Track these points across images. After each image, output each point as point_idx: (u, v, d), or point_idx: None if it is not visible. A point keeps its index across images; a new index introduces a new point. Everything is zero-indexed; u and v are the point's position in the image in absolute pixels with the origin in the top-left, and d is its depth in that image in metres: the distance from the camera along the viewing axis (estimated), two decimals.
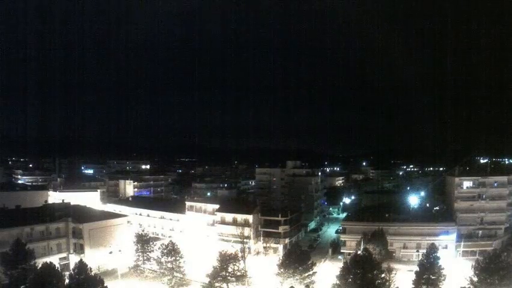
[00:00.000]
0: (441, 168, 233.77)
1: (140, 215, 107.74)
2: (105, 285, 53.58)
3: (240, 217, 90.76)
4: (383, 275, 57.76)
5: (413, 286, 58.61)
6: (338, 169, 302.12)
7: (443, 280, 58.67)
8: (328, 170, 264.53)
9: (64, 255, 75.29)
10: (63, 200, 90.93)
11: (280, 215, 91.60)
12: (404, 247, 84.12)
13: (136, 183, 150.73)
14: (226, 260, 64.14)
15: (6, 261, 57.61)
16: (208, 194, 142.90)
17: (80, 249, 74.83)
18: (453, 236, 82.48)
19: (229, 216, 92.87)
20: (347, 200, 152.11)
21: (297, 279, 62.14)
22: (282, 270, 63.19)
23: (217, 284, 63.18)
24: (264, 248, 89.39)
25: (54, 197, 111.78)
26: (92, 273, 54.52)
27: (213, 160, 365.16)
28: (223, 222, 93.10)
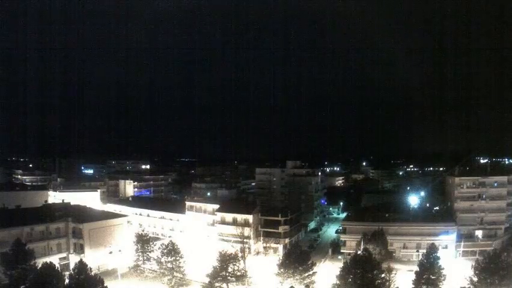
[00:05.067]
0: (441, 168, 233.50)
1: (140, 215, 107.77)
2: (105, 285, 53.65)
3: (240, 217, 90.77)
4: (383, 275, 57.80)
5: (413, 286, 58.62)
6: (338, 169, 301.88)
7: (443, 280, 58.71)
8: (328, 170, 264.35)
9: (63, 255, 75.34)
10: (63, 200, 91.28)
11: (280, 215, 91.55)
12: (404, 247, 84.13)
13: (136, 183, 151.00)
14: (226, 260, 64.17)
15: (6, 261, 57.60)
16: (208, 194, 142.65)
17: (80, 249, 74.87)
18: (453, 236, 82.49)
19: (229, 216, 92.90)
20: None
21: (297, 279, 62.13)
22: (282, 270, 63.20)
23: (217, 284, 63.21)
24: (264, 248, 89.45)
25: (54, 197, 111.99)
26: (92, 273, 54.52)
27: (213, 160, 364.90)
28: (223, 222, 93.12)
